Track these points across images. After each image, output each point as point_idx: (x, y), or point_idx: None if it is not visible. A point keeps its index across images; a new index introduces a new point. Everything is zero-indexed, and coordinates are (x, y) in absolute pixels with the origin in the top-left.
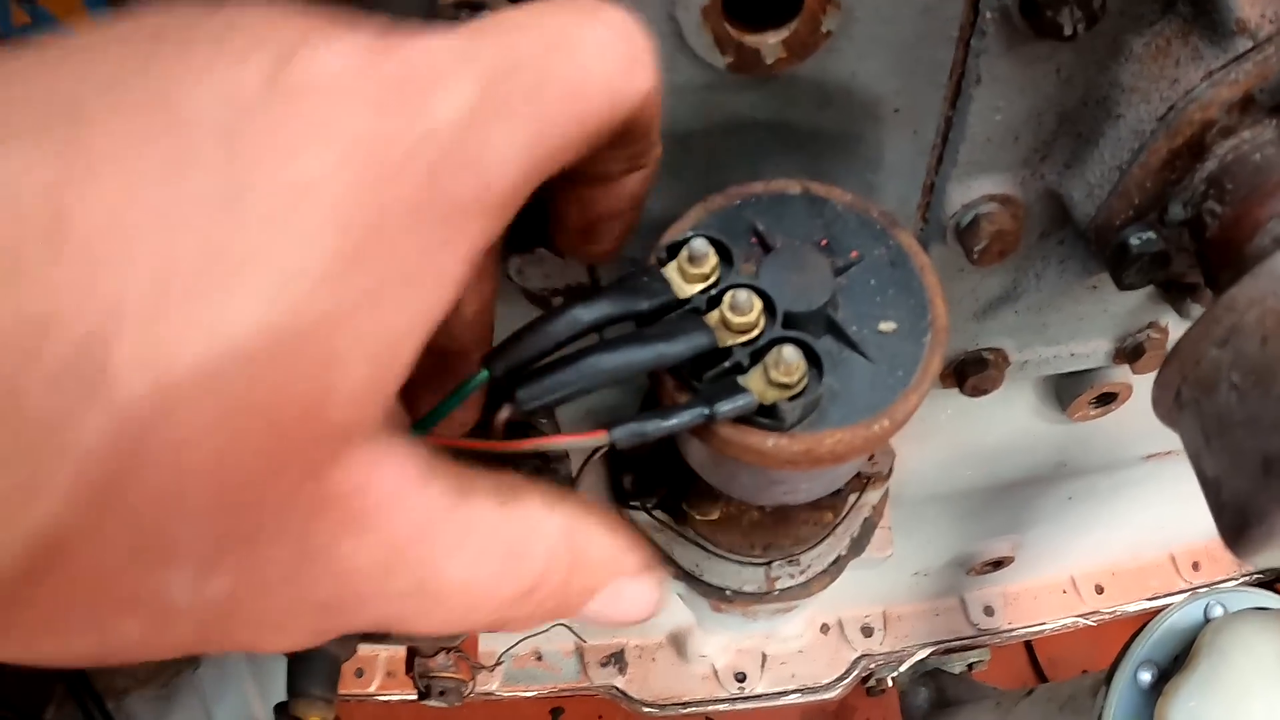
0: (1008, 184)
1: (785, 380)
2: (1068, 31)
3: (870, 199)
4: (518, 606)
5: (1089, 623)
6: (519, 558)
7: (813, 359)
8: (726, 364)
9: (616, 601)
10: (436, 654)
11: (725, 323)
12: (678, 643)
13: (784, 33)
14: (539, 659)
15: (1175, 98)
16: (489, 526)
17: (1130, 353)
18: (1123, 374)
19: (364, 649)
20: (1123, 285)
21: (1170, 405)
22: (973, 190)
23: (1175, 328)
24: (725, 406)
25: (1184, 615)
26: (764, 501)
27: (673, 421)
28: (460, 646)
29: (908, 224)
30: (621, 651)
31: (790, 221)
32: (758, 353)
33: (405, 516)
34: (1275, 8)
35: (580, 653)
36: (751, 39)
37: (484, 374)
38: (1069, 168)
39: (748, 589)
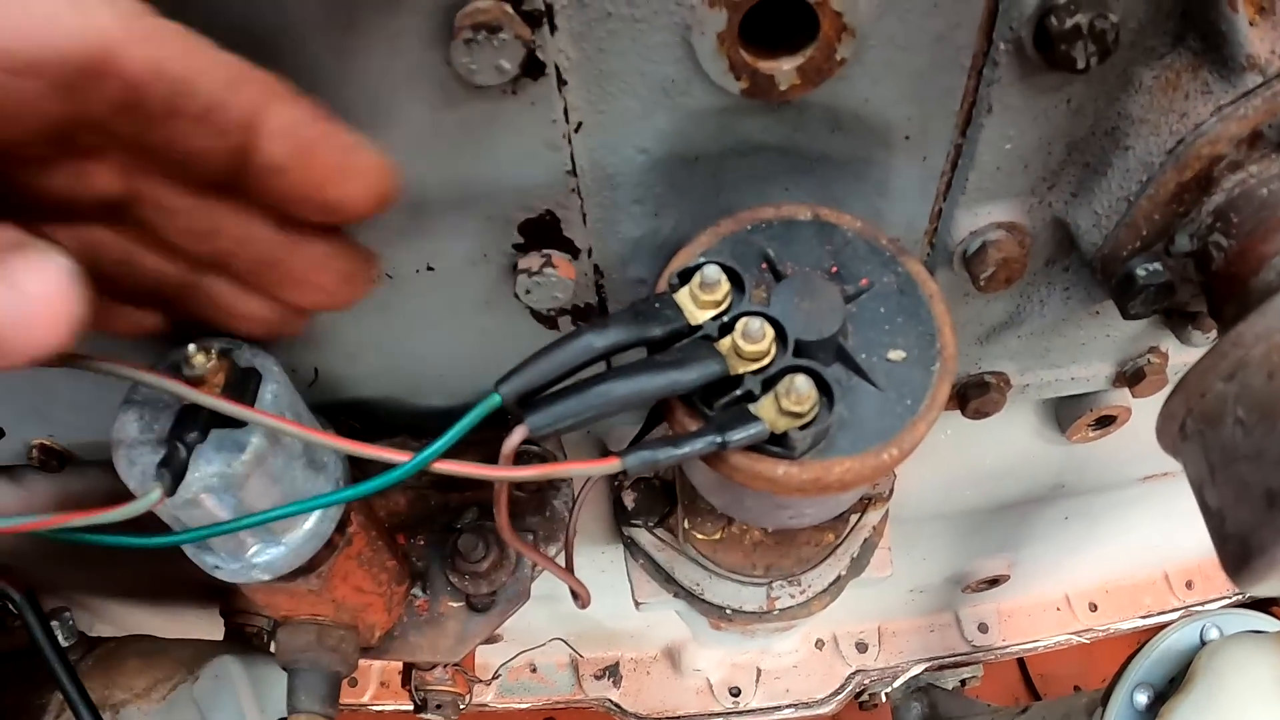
0: (1015, 212)
1: (797, 409)
2: (1080, 65)
3: (879, 225)
4: None
5: (1083, 640)
6: None
7: (823, 388)
8: (738, 392)
9: (20, 289)
10: (433, 668)
11: (737, 350)
12: (672, 656)
13: (799, 59)
14: (534, 671)
15: (1184, 131)
16: None
17: (1130, 377)
18: (1122, 397)
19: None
20: (1128, 315)
21: (1175, 436)
22: (980, 217)
23: (1175, 353)
24: (737, 435)
25: (1180, 638)
26: (769, 525)
27: (685, 449)
28: (458, 661)
29: (914, 250)
30: (616, 664)
31: (800, 247)
32: (769, 381)
33: None
34: None
35: (575, 665)
36: (766, 65)
37: (495, 398)
38: (1076, 197)
39: (748, 608)
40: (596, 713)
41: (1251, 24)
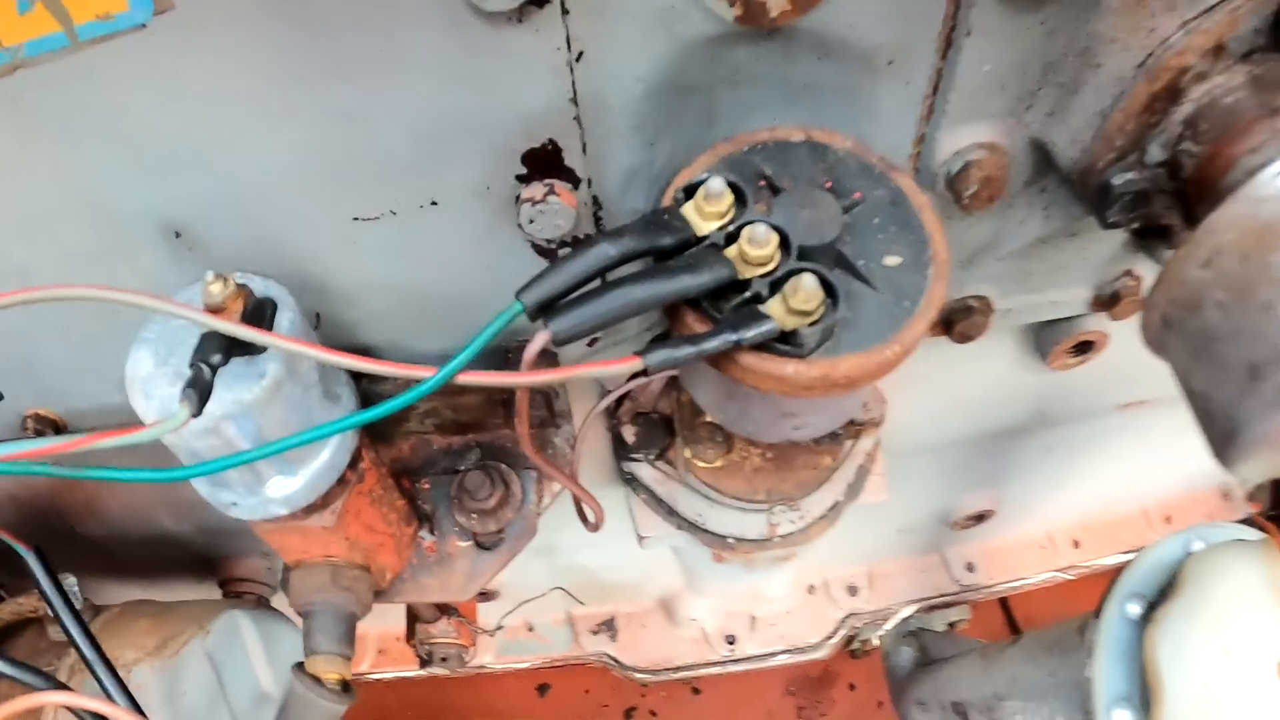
0: (995, 132)
1: (804, 307)
2: None
3: (864, 143)
4: None
5: (1066, 576)
6: None
7: (828, 288)
8: (748, 294)
9: None
10: (437, 621)
11: (744, 256)
12: (667, 607)
13: None
14: (531, 630)
15: (1153, 46)
16: None
17: (1108, 300)
18: (1100, 322)
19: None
20: (1106, 224)
21: (1158, 328)
22: (962, 138)
23: (1149, 276)
24: (750, 332)
25: (1166, 550)
26: (773, 438)
27: (703, 346)
28: (460, 612)
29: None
30: (612, 619)
31: (795, 166)
32: (776, 283)
33: None
34: None
35: (571, 622)
36: None
37: (517, 306)
38: (1053, 116)
39: (750, 536)
40: (591, 674)
41: None
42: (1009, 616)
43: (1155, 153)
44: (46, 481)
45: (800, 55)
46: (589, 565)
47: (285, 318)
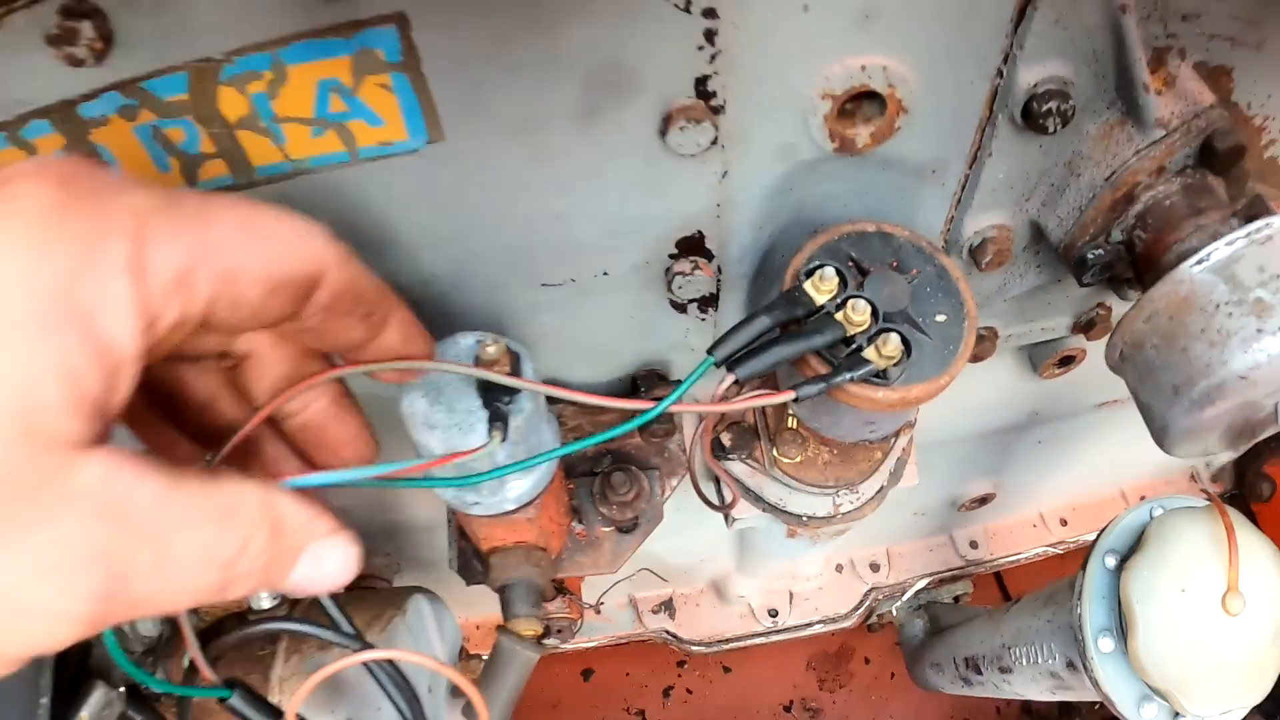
0: (1004, 217)
1: (891, 355)
2: (1050, 130)
3: (915, 230)
4: (237, 565)
5: (1056, 551)
6: (228, 519)
7: (904, 342)
8: (854, 346)
9: (319, 565)
10: (554, 599)
11: (849, 320)
12: (718, 588)
13: (871, 127)
14: (598, 612)
15: (1116, 165)
16: (200, 500)
17: (1085, 325)
18: (1079, 342)
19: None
20: (1082, 284)
21: (1117, 360)
22: (980, 222)
23: (1117, 307)
24: (860, 371)
25: (1135, 516)
26: (854, 439)
27: (833, 381)
28: (571, 590)
29: (937, 245)
30: (670, 599)
31: (871, 249)
32: (870, 338)
33: (138, 499)
34: (1179, 108)
35: (634, 604)
36: (850, 132)
37: (710, 360)
38: (1045, 206)
39: (819, 514)
40: (655, 644)
41: (1159, 93)
42: (1003, 588)
43: (1117, 235)
44: None
45: (870, 167)
46: (659, 552)
47: (529, 366)
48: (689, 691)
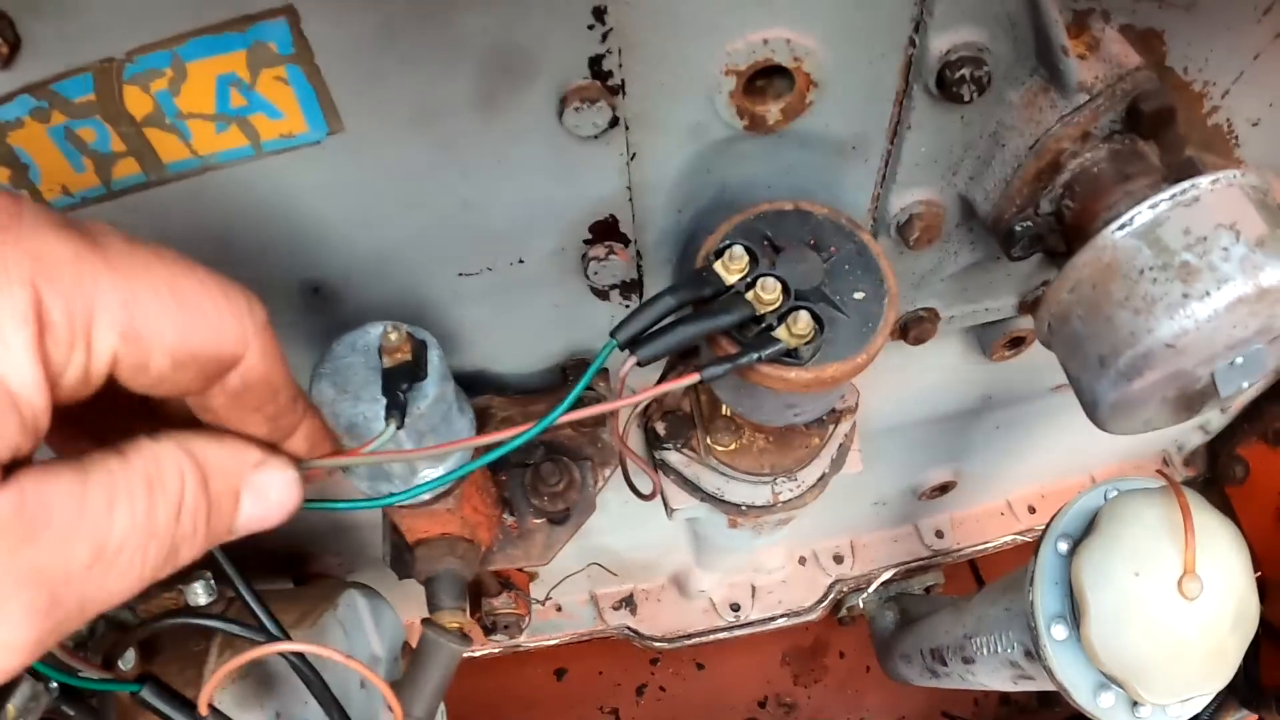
0: (931, 192)
1: (802, 333)
2: (966, 98)
3: (838, 209)
4: (180, 526)
5: (1025, 539)
6: (153, 485)
7: (817, 319)
8: (763, 325)
9: (264, 497)
10: (499, 594)
11: (759, 299)
12: (679, 583)
13: (781, 103)
14: (559, 610)
15: (1039, 133)
16: (119, 477)
17: (1031, 304)
18: (1028, 322)
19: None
20: (1011, 258)
21: (1046, 333)
22: (906, 198)
23: None
24: (768, 350)
25: (1089, 499)
26: (779, 423)
27: (739, 361)
28: (517, 585)
29: (863, 224)
30: (631, 595)
31: (788, 228)
32: (781, 316)
33: (55, 503)
34: (1103, 71)
35: (595, 600)
36: (760, 109)
37: (613, 342)
38: (972, 179)
39: (758, 503)
40: (608, 651)
41: (1081, 58)
42: (977, 577)
43: (1045, 206)
44: None
45: (788, 145)
46: (615, 547)
47: (435, 355)
48: (662, 689)
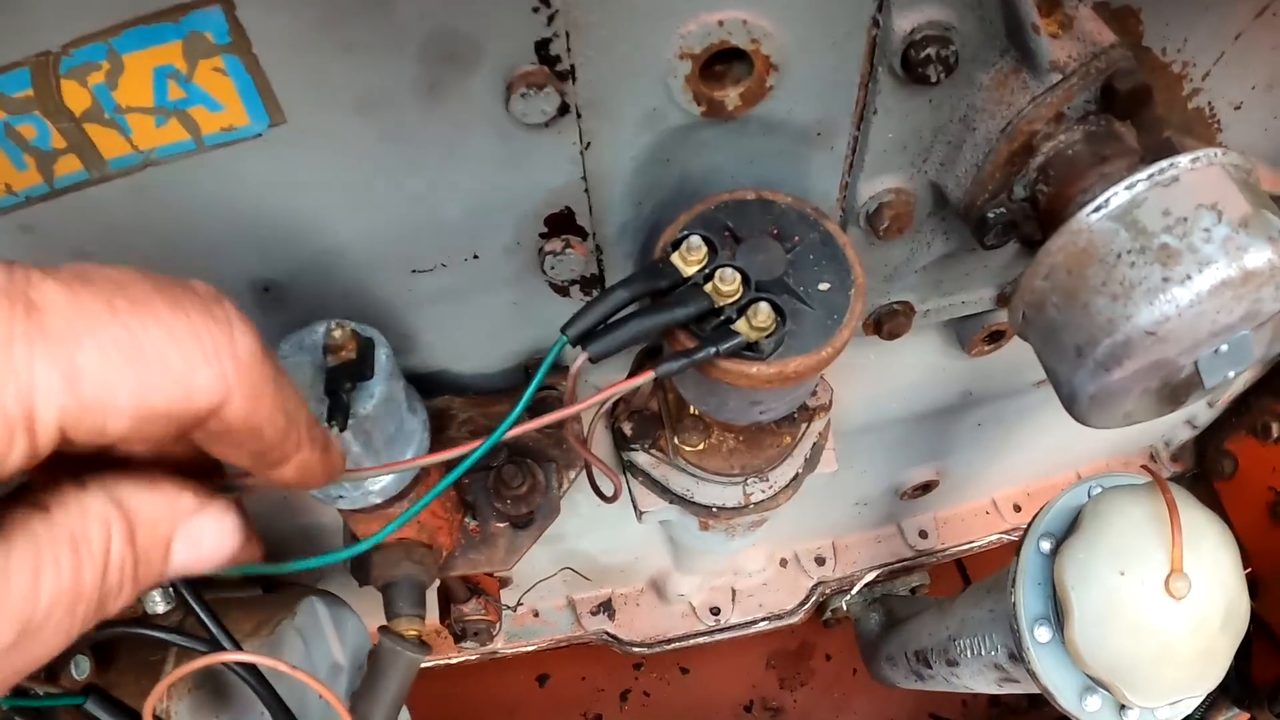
0: (900, 179)
1: (762, 326)
2: (933, 79)
3: (804, 199)
4: (106, 583)
5: (1011, 538)
6: (82, 543)
7: (778, 311)
8: (722, 318)
9: (198, 545)
10: (469, 601)
11: (717, 291)
12: (658, 587)
13: (740, 88)
14: (536, 616)
15: (1011, 115)
16: (42, 542)
17: (1009, 297)
18: (1006, 315)
19: None
20: (985, 246)
21: (1020, 323)
22: (875, 186)
23: None
24: (726, 344)
25: (1072, 497)
26: (745, 421)
27: (696, 357)
28: (487, 591)
29: (831, 214)
30: (609, 600)
31: (750, 218)
32: (741, 309)
33: None
34: (1077, 50)
35: (573, 605)
36: (718, 94)
37: (563, 338)
38: (943, 165)
39: (729, 504)
40: (591, 657)
41: (1054, 37)
42: (964, 576)
43: (1019, 191)
44: None
45: (751, 133)
46: (589, 551)
47: (383, 353)
48: (646, 694)
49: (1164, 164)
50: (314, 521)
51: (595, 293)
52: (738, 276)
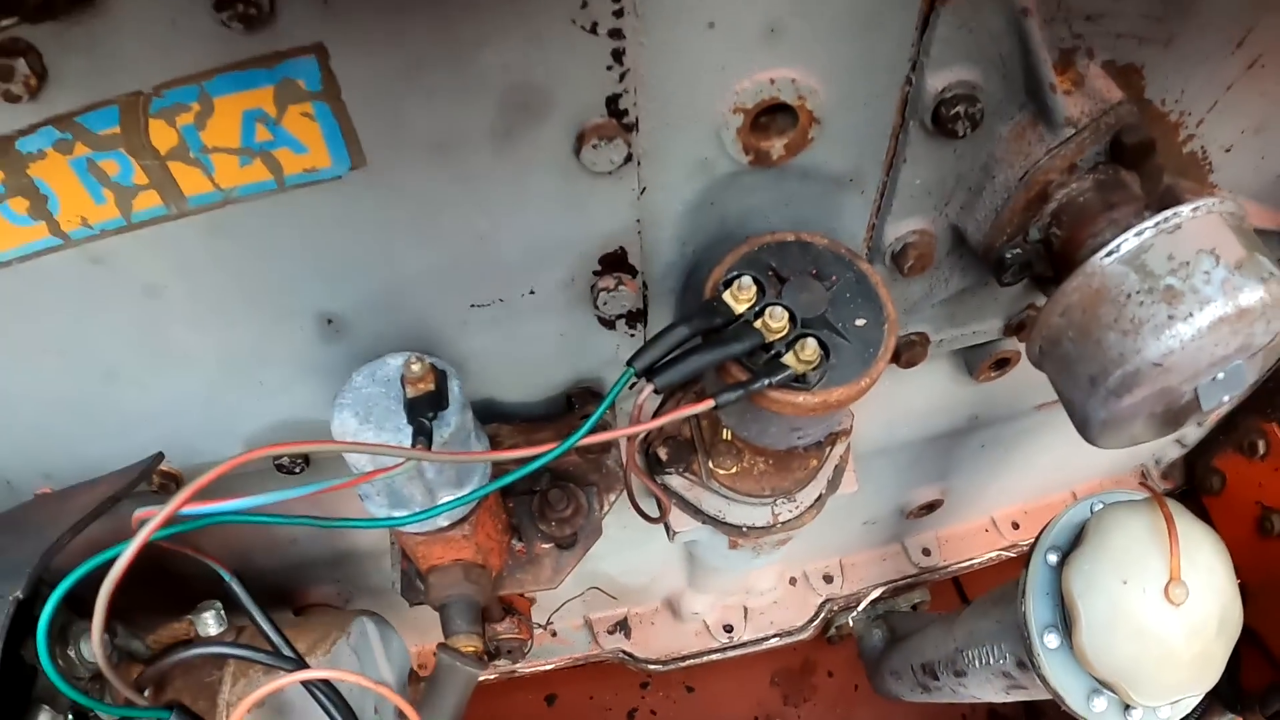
0: (924, 222)
1: (809, 359)
2: (960, 134)
3: (836, 239)
4: None
5: (1009, 555)
6: None
7: (823, 346)
8: (773, 352)
9: None
10: (503, 620)
11: (767, 327)
12: (672, 606)
13: (785, 139)
14: (554, 635)
15: (1028, 166)
16: None
17: (1016, 327)
18: (1013, 344)
19: None
20: (1002, 284)
21: (1037, 355)
22: (901, 228)
23: None
24: (779, 376)
25: (1076, 512)
26: (783, 446)
27: (752, 387)
28: (520, 611)
29: (858, 253)
30: (625, 619)
31: (791, 259)
32: (789, 344)
33: None
34: (1088, 106)
35: (590, 625)
36: (765, 144)
37: (630, 370)
38: (964, 209)
39: (759, 524)
40: (598, 677)
41: (1067, 94)
42: (962, 594)
43: (1034, 234)
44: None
45: (789, 179)
46: (609, 571)
47: (455, 385)
48: (653, 713)
49: (1169, 213)
50: (349, 545)
51: (639, 327)
52: (786, 314)
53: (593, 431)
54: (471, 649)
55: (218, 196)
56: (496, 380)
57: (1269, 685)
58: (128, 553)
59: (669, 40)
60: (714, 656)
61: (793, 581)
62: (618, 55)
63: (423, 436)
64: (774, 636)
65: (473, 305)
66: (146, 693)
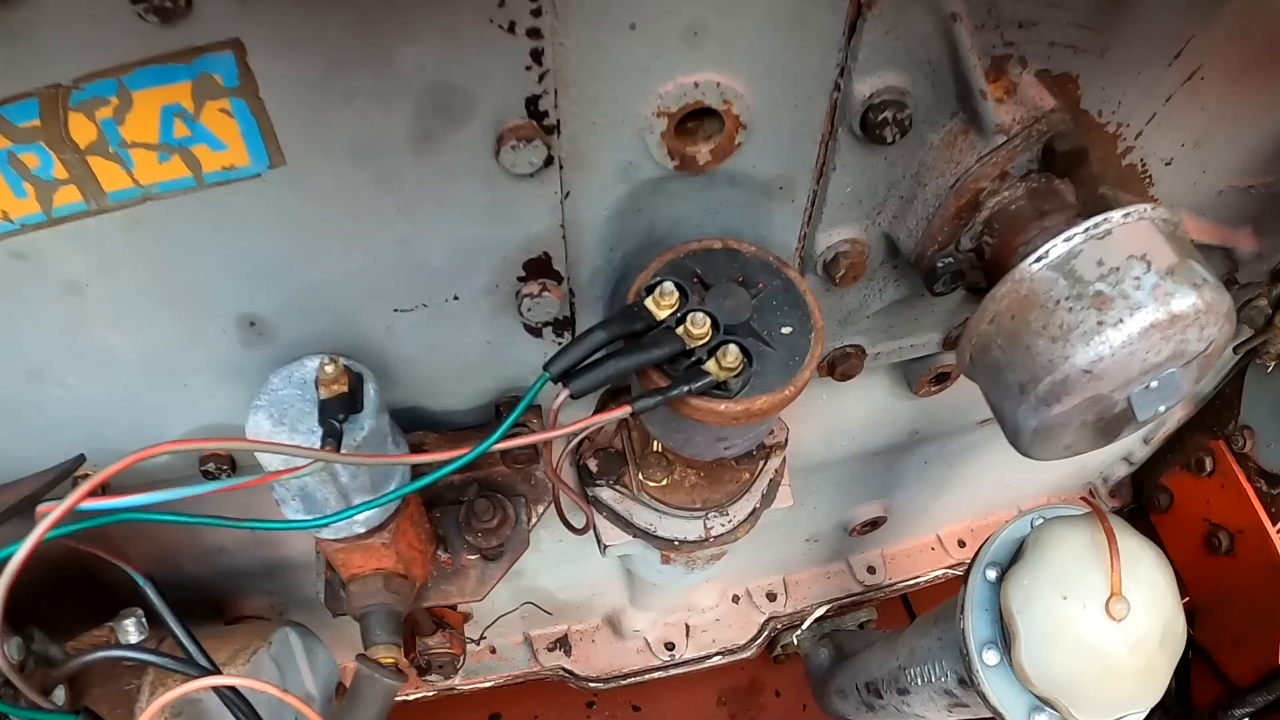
0: (856, 231)
1: (731, 366)
2: (889, 140)
3: (766, 247)
4: None
5: (956, 573)
6: None
7: (745, 353)
8: (693, 359)
9: None
10: (434, 634)
11: (689, 333)
12: (614, 623)
13: (711, 144)
14: (493, 652)
15: (960, 173)
16: None
17: (955, 340)
18: (952, 358)
19: None
20: (934, 293)
21: (967, 364)
22: (833, 236)
23: None
24: (698, 383)
25: (1015, 528)
26: (710, 456)
27: (670, 394)
28: (451, 624)
29: (790, 262)
30: (565, 636)
31: (717, 266)
32: (711, 350)
33: None
34: (1020, 113)
35: (529, 642)
36: (690, 149)
37: (546, 375)
38: (896, 218)
39: (691, 538)
40: (548, 684)
41: (999, 102)
42: (910, 612)
43: (966, 243)
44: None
45: (717, 185)
46: (547, 586)
47: (371, 388)
48: None
49: (1099, 219)
50: (280, 555)
51: (567, 335)
52: (708, 320)
53: (509, 436)
54: (390, 659)
55: (137, 193)
56: (423, 387)
57: (1216, 700)
58: (23, 549)
59: (590, 41)
60: (656, 675)
61: (735, 599)
62: (536, 55)
63: (331, 438)
64: (717, 655)
65: (396, 310)
66: (61, 697)
